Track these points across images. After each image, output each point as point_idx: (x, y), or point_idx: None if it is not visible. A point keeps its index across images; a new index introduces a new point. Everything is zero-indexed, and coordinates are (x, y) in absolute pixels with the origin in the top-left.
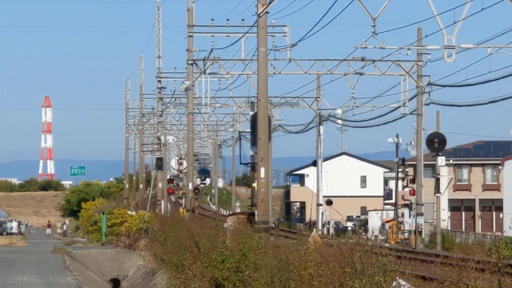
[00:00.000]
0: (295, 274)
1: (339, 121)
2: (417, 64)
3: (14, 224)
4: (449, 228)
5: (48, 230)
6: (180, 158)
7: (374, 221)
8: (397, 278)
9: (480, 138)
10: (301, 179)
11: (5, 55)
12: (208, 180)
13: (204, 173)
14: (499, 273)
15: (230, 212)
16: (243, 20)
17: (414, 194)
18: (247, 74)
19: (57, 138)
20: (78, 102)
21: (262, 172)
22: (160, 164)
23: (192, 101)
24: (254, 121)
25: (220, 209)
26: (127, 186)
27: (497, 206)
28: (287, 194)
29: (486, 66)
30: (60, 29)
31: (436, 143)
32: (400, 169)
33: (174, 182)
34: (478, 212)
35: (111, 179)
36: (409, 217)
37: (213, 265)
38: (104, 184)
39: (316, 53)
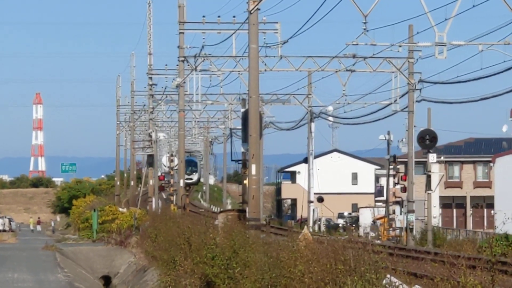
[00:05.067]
0: (286, 271)
1: (331, 118)
2: (408, 61)
3: (3, 221)
4: (440, 225)
5: (38, 227)
6: (171, 155)
7: (365, 218)
8: (389, 275)
9: (471, 135)
10: (292, 176)
11: None
12: (195, 175)
13: (190, 164)
14: (491, 269)
15: (221, 209)
16: (234, 17)
17: (405, 191)
18: (238, 71)
19: (48, 135)
20: (69, 99)
21: (253, 169)
22: (151, 161)
23: (183, 98)
24: (245, 118)
25: (211, 206)
26: (118, 183)
27: (488, 203)
28: (278, 191)
29: (478, 63)
30: (51, 26)
31: (427, 140)
32: (391, 166)
33: (165, 179)
34: (469, 209)
35: (102, 176)
36: (400, 214)
37: (203, 262)
38: (95, 181)
39: (307, 50)
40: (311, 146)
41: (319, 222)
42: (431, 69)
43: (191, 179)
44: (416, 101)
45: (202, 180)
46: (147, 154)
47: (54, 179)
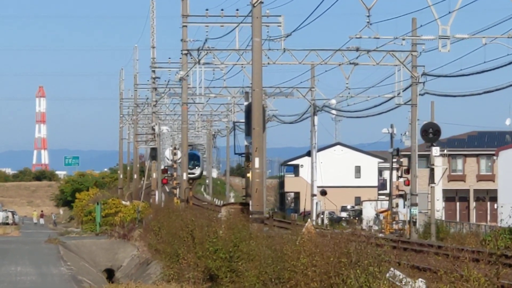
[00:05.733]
0: (289, 264)
1: (334, 112)
2: (411, 54)
3: (6, 214)
4: (443, 218)
5: (41, 220)
6: (174, 148)
7: (369, 212)
8: (392, 268)
9: (475, 129)
10: (295, 169)
11: None
12: (197, 170)
13: (192, 158)
14: (496, 263)
15: (224, 203)
16: (237, 10)
17: (408, 185)
18: (242, 64)
19: (51, 128)
20: (72, 92)
21: (257, 162)
22: (154, 154)
23: (186, 91)
24: (248, 111)
25: (214, 199)
26: (121, 176)
27: (492, 196)
28: (281, 184)
29: (481, 56)
30: (54, 19)
31: (431, 133)
32: (394, 160)
33: (168, 172)
34: (472, 203)
35: (105, 169)
36: (404, 207)
37: (206, 255)
38: (98, 174)
39: (311, 43)
40: (314, 139)
41: (322, 215)
42: (435, 62)
43: (193, 173)
44: (419, 94)
45: (205, 173)
46: (150, 147)
47: (57, 172)
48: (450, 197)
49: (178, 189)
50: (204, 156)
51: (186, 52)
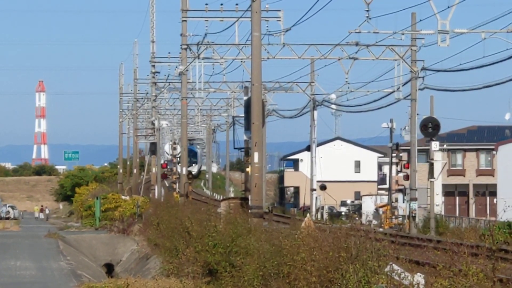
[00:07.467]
0: (288, 259)
1: (333, 106)
2: (411, 49)
3: (6, 209)
4: (443, 213)
5: (41, 215)
6: (174, 143)
7: (368, 206)
8: (391, 263)
9: (474, 123)
10: (295, 164)
11: None
12: (195, 167)
13: (189, 155)
14: (492, 257)
15: (224, 197)
16: (237, 4)
17: (408, 179)
18: (241, 59)
19: (51, 123)
20: (72, 87)
21: (256, 157)
22: (154, 149)
23: (186, 86)
24: (248, 106)
25: (214, 194)
26: (121, 171)
27: (491, 191)
28: (281, 179)
29: (480, 51)
30: (54, 14)
31: (430, 128)
32: (394, 154)
33: (168, 167)
34: (472, 197)
35: (105, 164)
36: (403, 202)
37: (205, 250)
38: (98, 169)
39: (310, 38)
40: (313, 134)
41: (321, 210)
42: (434, 57)
43: (190, 172)
44: (419, 89)
45: (204, 168)
46: (149, 142)
47: (57, 167)
48: (449, 191)
49: (177, 184)
50: (203, 151)
51: (185, 46)
